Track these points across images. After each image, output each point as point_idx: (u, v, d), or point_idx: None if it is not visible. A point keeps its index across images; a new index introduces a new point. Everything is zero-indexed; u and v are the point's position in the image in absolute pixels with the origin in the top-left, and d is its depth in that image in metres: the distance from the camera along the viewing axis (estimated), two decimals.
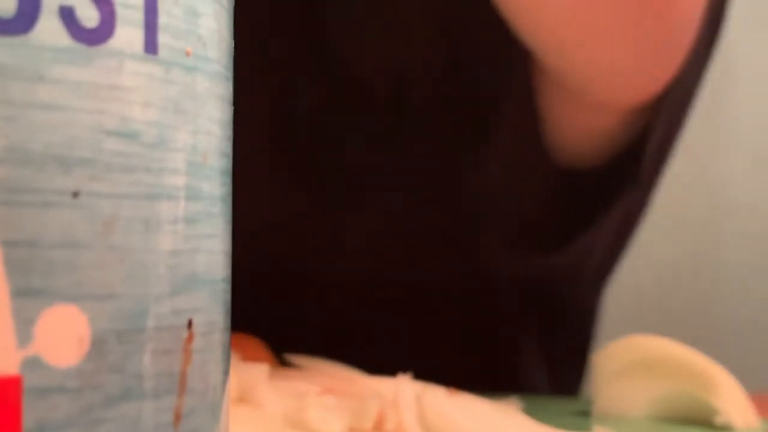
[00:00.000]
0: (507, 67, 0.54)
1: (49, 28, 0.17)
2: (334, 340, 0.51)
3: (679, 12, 0.49)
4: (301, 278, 0.58)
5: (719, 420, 0.43)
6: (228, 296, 0.21)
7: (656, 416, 0.46)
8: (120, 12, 0.18)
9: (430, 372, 0.43)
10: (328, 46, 0.55)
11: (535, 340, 0.63)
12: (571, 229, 0.58)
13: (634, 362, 0.46)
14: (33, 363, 0.17)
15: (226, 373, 0.21)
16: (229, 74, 0.21)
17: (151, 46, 0.18)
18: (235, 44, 0.22)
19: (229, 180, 0.21)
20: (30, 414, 0.17)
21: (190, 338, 0.19)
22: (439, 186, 0.56)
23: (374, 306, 0.58)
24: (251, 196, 0.53)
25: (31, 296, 0.17)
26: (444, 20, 0.54)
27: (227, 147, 0.21)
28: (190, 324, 0.19)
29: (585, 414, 0.47)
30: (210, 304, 0.20)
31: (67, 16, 0.17)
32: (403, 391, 0.37)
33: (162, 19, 0.18)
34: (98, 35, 0.17)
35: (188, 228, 0.19)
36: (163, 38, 0.18)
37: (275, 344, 0.48)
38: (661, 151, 0.59)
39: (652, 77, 0.52)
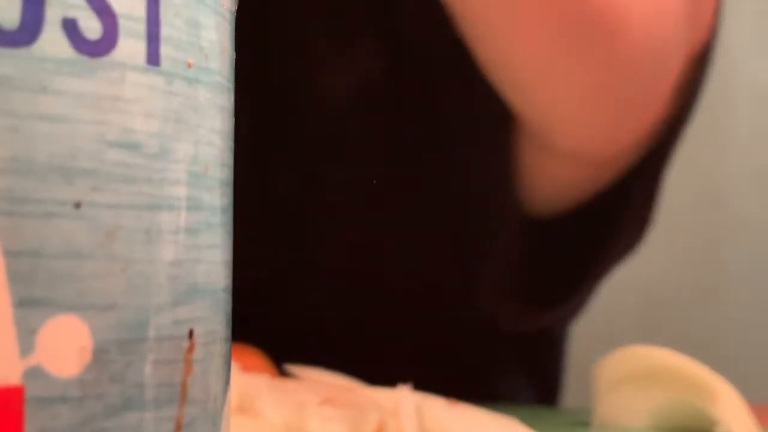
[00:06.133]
0: (473, 118, 0.55)
1: (52, 40, 0.17)
2: (334, 350, 0.51)
3: (626, 49, 0.49)
4: (303, 290, 0.58)
5: (719, 430, 0.43)
6: (229, 306, 0.21)
7: (656, 426, 0.46)
8: (123, 24, 0.18)
9: (429, 384, 0.43)
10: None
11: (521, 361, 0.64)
12: (566, 283, 0.58)
13: (635, 372, 0.46)
14: (35, 373, 0.17)
15: (226, 383, 0.21)
16: (231, 85, 0.21)
17: (153, 57, 0.18)
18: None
19: (230, 190, 0.21)
20: (32, 423, 0.17)
21: (191, 348, 0.19)
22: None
23: (375, 317, 0.58)
24: None
25: (33, 306, 0.17)
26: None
27: (228, 158, 0.21)
28: (191, 334, 0.19)
29: (585, 424, 0.47)
30: (211, 314, 0.20)
31: (70, 27, 0.17)
32: (403, 401, 0.37)
33: (164, 31, 0.19)
34: (101, 47, 0.18)
35: (189, 238, 0.19)
36: (165, 50, 0.19)
37: (275, 354, 0.48)
38: (645, 207, 0.59)
39: (615, 128, 0.53)
